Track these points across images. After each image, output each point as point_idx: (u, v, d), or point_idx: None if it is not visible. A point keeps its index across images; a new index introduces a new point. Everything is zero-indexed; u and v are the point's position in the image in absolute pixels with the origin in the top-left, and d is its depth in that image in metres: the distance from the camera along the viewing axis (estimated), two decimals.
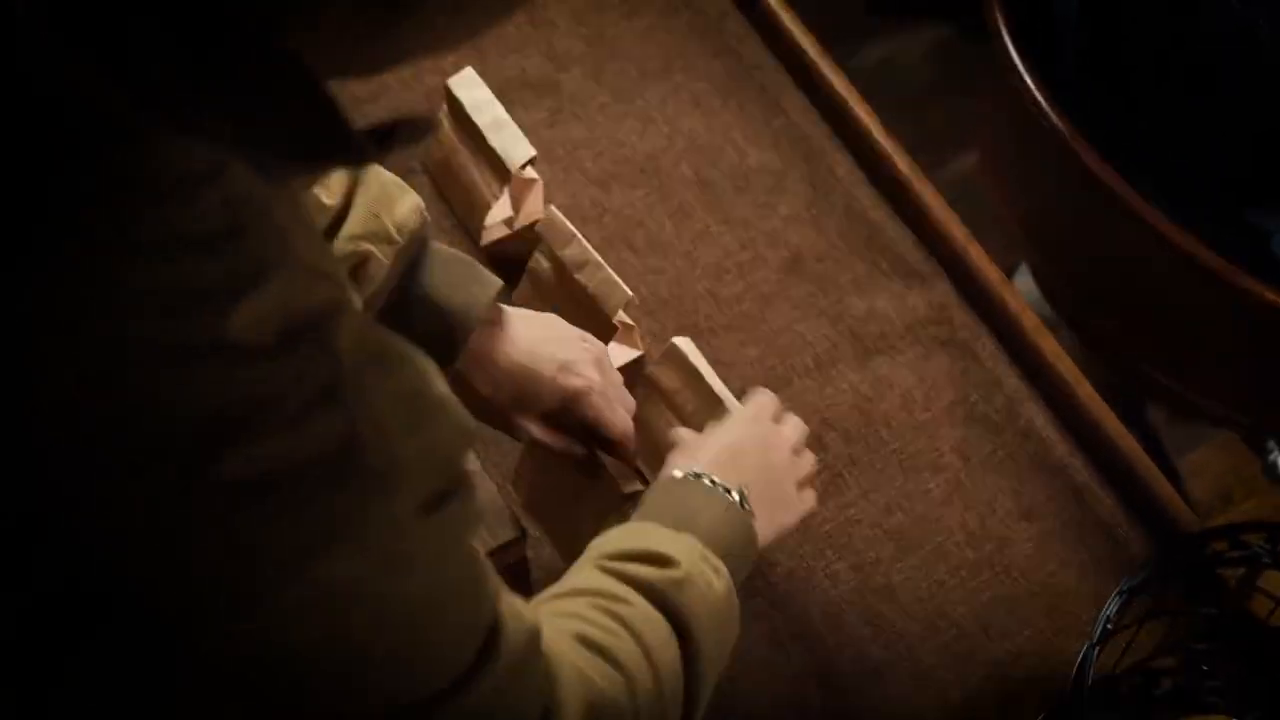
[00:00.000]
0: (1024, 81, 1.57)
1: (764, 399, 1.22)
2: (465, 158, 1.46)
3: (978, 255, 1.50)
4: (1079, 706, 1.03)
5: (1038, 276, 1.84)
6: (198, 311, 0.61)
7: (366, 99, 1.55)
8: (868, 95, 1.61)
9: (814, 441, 1.41)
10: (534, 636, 0.82)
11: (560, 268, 1.35)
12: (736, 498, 1.08)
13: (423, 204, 1.16)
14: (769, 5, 1.64)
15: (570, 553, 1.22)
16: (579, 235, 1.32)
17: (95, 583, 0.64)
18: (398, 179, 1.16)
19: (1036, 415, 1.45)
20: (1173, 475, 1.50)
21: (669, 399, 1.34)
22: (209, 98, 0.61)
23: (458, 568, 0.76)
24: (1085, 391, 1.45)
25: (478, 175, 1.45)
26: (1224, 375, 1.66)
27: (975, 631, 1.35)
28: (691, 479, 1.09)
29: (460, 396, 1.00)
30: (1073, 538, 1.40)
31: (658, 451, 1.35)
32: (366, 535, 0.68)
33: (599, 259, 1.32)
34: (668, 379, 1.34)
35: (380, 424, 0.68)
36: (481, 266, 1.20)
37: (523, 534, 1.30)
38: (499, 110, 1.42)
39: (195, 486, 0.62)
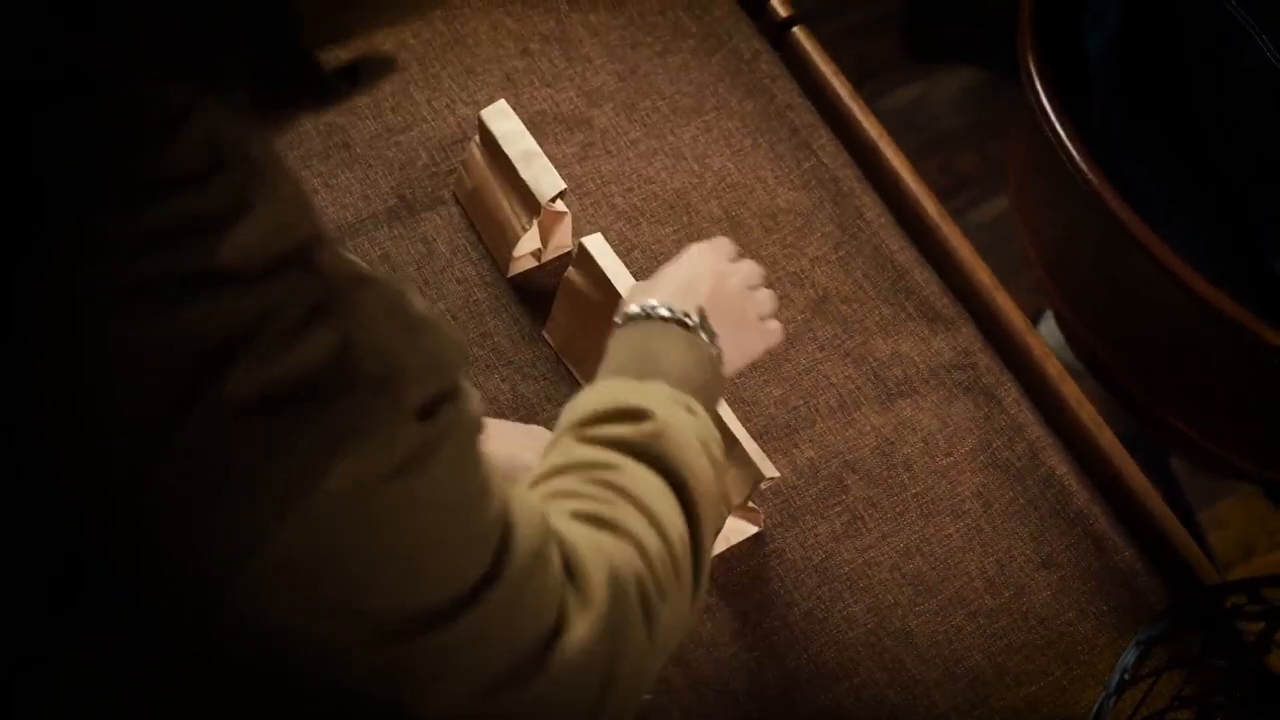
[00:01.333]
0: (1054, 128, 1.58)
1: (719, 239, 1.26)
2: (496, 188, 1.46)
3: (1004, 301, 1.51)
4: None
5: (1061, 322, 1.84)
6: (188, 245, 0.64)
7: (400, 129, 1.56)
8: (897, 136, 1.61)
9: (834, 482, 1.42)
10: (546, 529, 0.83)
11: (605, 289, 1.37)
12: (696, 320, 1.11)
13: None
14: (803, 46, 1.65)
15: None
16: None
17: (109, 522, 0.65)
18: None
19: (1058, 463, 1.45)
20: (1193, 527, 1.49)
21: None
22: (182, 39, 0.63)
23: (465, 471, 0.77)
24: (1107, 440, 1.45)
25: (507, 206, 1.46)
26: (1246, 428, 1.66)
27: (991, 678, 1.35)
28: (644, 317, 1.11)
29: None
30: (1091, 587, 1.40)
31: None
32: (373, 442, 0.70)
33: None
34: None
35: (374, 333, 0.70)
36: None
37: None
38: (530, 142, 1.43)
39: (200, 409, 0.64)
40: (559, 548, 0.85)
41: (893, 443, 1.45)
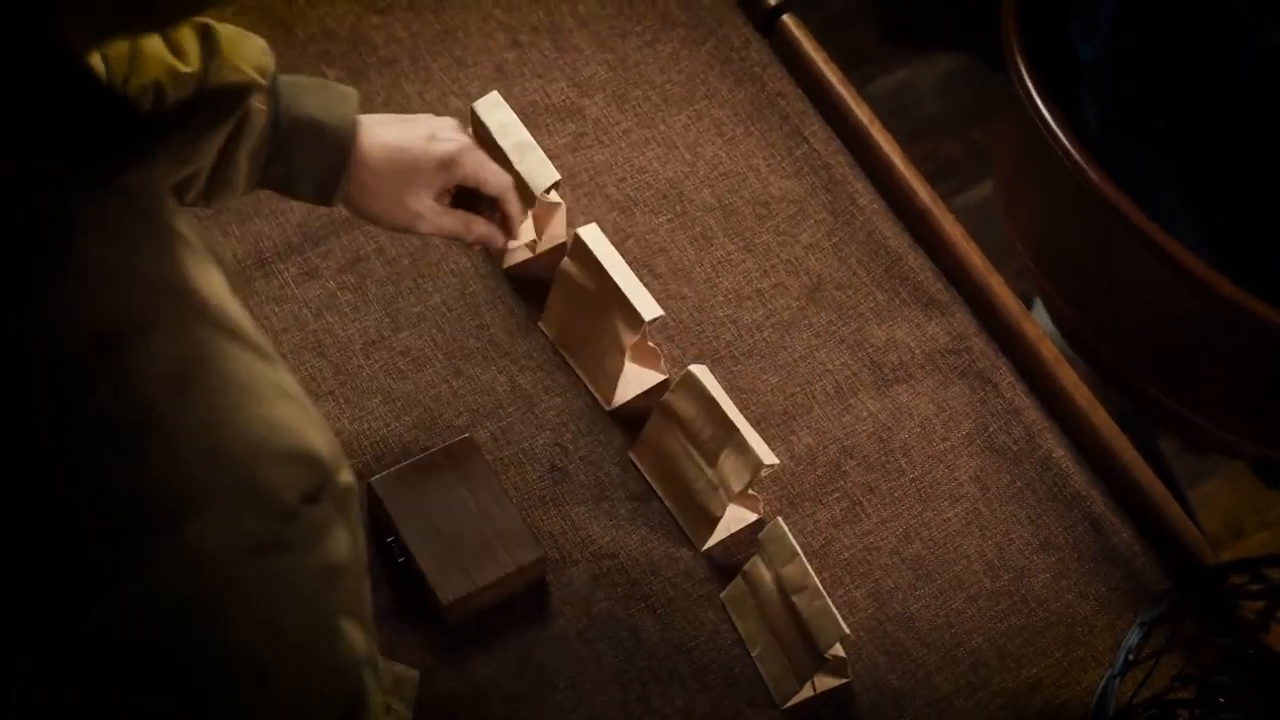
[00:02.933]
0: (1046, 120, 1.59)
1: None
2: None
3: (998, 285, 1.51)
4: None
5: (1047, 304, 1.85)
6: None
7: None
8: (883, 123, 1.62)
9: (833, 468, 1.42)
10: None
11: (601, 279, 1.37)
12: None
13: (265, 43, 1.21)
14: (792, 34, 1.65)
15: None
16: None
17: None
18: (236, 28, 1.19)
19: (1055, 446, 1.45)
20: (1186, 507, 1.50)
21: (685, 425, 1.35)
22: None
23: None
24: (1103, 421, 1.46)
25: None
26: (1236, 402, 1.67)
27: (992, 660, 1.35)
28: None
29: (353, 209, 1.10)
30: (1090, 569, 1.40)
31: (672, 477, 1.36)
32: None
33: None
34: (684, 405, 1.35)
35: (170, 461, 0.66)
36: (331, 83, 1.26)
37: (542, 555, 1.31)
38: (524, 134, 1.43)
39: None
40: None
41: (890, 428, 1.45)
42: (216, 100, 1.16)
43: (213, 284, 0.70)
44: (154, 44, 1.13)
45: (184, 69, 1.15)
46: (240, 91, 1.18)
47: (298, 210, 1.49)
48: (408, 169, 1.28)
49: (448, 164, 1.30)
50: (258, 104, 1.19)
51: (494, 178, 1.33)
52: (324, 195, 1.27)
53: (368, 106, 1.56)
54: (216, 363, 0.68)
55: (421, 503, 1.31)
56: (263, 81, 1.20)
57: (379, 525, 1.32)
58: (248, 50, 1.20)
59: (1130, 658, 1.04)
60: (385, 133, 1.28)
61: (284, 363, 0.73)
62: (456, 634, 1.30)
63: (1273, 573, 1.17)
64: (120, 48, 1.11)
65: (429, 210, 1.30)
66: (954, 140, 2.82)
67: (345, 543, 0.72)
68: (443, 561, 1.28)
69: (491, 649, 1.31)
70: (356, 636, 0.73)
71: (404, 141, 1.28)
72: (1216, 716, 1.28)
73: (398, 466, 1.33)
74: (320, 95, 1.25)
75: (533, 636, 1.31)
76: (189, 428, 0.65)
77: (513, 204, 1.35)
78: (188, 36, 1.16)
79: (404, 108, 1.57)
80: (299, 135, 1.23)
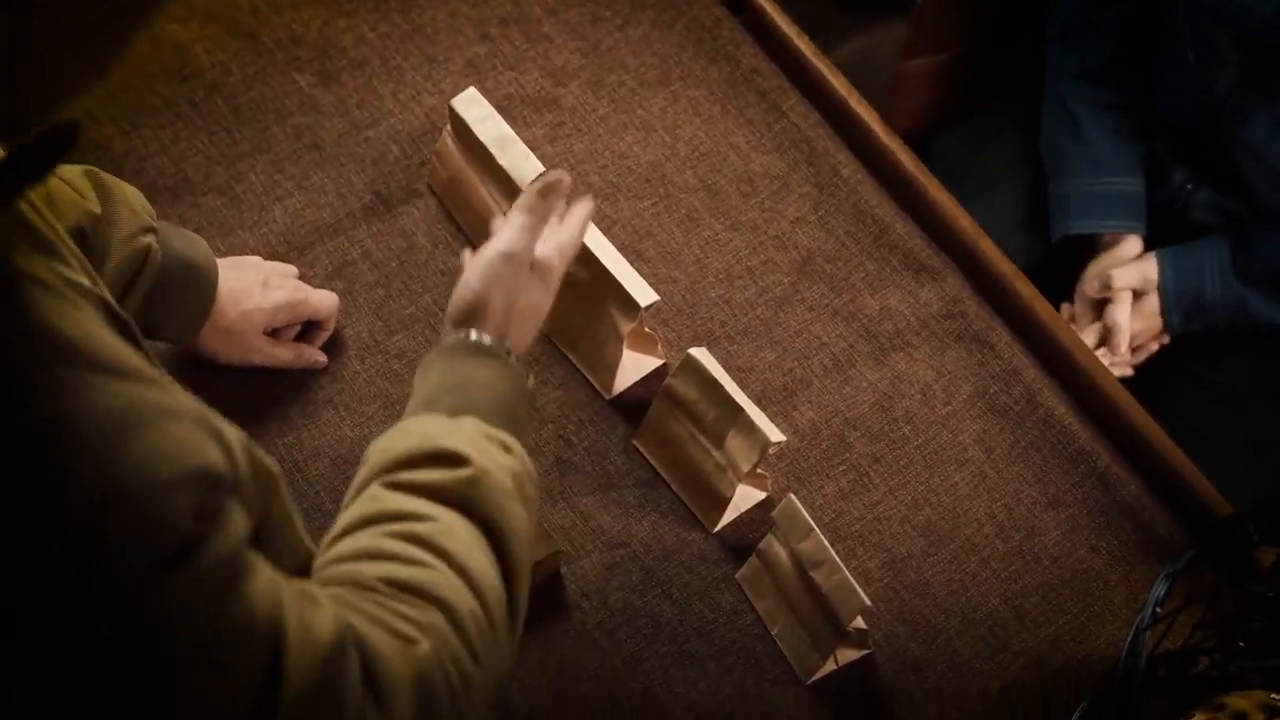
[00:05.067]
0: None
1: (521, 217, 1.17)
2: (473, 176, 1.45)
3: (988, 247, 1.51)
4: (1133, 689, 1.03)
5: None
6: None
7: (367, 125, 1.54)
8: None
9: (837, 441, 1.42)
10: (338, 642, 0.81)
11: (594, 268, 1.36)
12: (505, 347, 1.10)
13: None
14: (763, 10, 1.64)
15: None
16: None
17: None
18: (103, 172, 1.21)
19: (1056, 403, 1.46)
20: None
21: (689, 408, 1.34)
22: None
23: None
24: (1102, 375, 1.46)
25: (486, 193, 1.45)
26: None
27: (1010, 621, 1.36)
28: (454, 345, 1.09)
29: (196, 345, 1.16)
30: (1100, 523, 1.41)
31: (679, 462, 1.35)
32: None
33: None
34: (686, 389, 1.34)
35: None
36: (178, 226, 1.31)
37: (556, 549, 1.30)
38: (504, 128, 1.42)
39: None
40: (359, 656, 0.82)
41: (891, 397, 1.45)
42: (126, 241, 1.18)
43: (76, 323, 0.71)
44: (63, 189, 1.13)
45: (95, 210, 1.16)
46: (142, 233, 1.20)
47: (279, 219, 1.48)
48: (249, 310, 1.35)
49: (281, 309, 1.37)
50: (154, 243, 1.22)
51: (323, 306, 1.40)
52: (189, 333, 1.32)
53: (340, 109, 1.55)
54: (89, 401, 0.68)
55: None
56: (153, 223, 1.23)
57: None
58: (132, 193, 1.22)
59: (1158, 610, 1.04)
60: (226, 276, 1.33)
61: (170, 380, 0.75)
62: None
63: None
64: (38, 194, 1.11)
65: (263, 344, 1.37)
66: None
67: (241, 521, 0.76)
68: None
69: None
70: (264, 601, 0.77)
71: (242, 285, 1.35)
72: (1237, 660, 1.28)
73: None
74: (181, 236, 1.29)
75: (552, 631, 1.31)
76: (67, 487, 0.66)
77: (332, 323, 1.41)
78: (79, 180, 1.16)
79: (377, 108, 1.55)
80: (177, 275, 1.26)
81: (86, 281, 0.78)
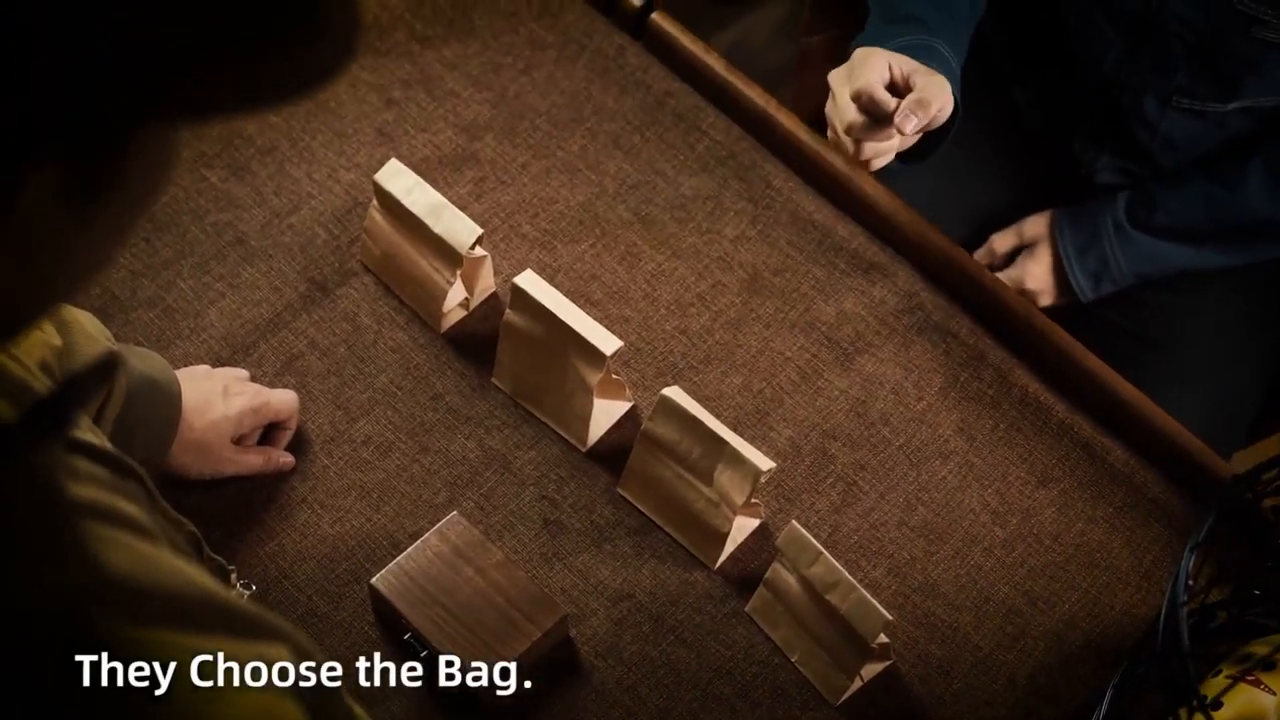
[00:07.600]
0: None
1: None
2: (409, 248, 1.42)
3: (932, 234, 1.50)
4: (1180, 667, 1.03)
5: None
6: None
7: (288, 211, 1.50)
8: None
9: (819, 455, 1.40)
10: None
11: (550, 323, 1.34)
12: None
13: None
14: (666, 31, 1.62)
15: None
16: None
17: None
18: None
19: (1029, 381, 1.45)
20: None
21: (671, 449, 1.32)
22: None
23: None
24: (1067, 343, 1.45)
25: (425, 264, 1.42)
26: None
27: (1024, 607, 1.35)
28: None
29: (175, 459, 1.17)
30: (1092, 493, 1.40)
31: (669, 503, 1.33)
32: None
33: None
34: (665, 430, 1.32)
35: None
36: (132, 345, 1.31)
37: (563, 613, 1.28)
38: (433, 195, 1.39)
39: None
40: None
41: (864, 401, 1.44)
42: (95, 370, 1.14)
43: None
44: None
45: (56, 342, 1.13)
46: (108, 358, 1.18)
47: (216, 323, 1.44)
48: (215, 420, 1.33)
49: (245, 414, 1.35)
50: (118, 365, 1.21)
51: (284, 407, 1.38)
52: (160, 452, 1.29)
53: (257, 199, 1.51)
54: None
55: (428, 591, 1.27)
56: (114, 346, 1.22)
57: (391, 624, 1.28)
58: (85, 316, 1.20)
59: (1190, 583, 1.03)
60: (186, 389, 1.31)
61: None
62: (500, 710, 1.27)
63: None
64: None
65: (233, 452, 1.35)
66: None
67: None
68: (467, 646, 1.25)
69: (539, 717, 1.27)
70: None
71: (202, 396, 1.33)
72: (1254, 608, 1.29)
73: (394, 561, 1.29)
74: (139, 355, 1.27)
75: (575, 697, 1.28)
76: None
77: (294, 422, 1.39)
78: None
79: (295, 193, 1.52)
80: (141, 395, 1.24)
81: (94, 439, 0.74)
